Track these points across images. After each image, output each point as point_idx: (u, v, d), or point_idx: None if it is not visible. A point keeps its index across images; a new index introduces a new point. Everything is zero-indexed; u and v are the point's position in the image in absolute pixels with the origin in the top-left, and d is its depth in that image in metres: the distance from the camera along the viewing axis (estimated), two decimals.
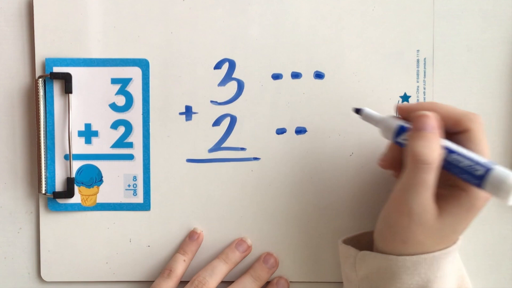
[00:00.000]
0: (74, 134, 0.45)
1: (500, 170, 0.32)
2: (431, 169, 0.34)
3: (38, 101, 0.44)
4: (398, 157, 0.38)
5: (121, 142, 0.45)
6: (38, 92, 0.44)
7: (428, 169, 0.34)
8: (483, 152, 0.35)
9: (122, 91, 0.44)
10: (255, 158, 0.45)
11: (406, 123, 0.37)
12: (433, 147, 0.34)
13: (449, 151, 0.35)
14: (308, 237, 0.45)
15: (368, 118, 0.39)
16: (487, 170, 0.33)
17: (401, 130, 0.37)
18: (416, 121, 0.35)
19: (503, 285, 0.45)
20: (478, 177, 0.33)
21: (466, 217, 0.35)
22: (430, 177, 0.34)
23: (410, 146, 0.35)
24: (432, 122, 0.35)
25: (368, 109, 0.39)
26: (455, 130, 0.36)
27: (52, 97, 0.44)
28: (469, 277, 0.45)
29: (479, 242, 0.45)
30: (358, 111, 0.40)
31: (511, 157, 0.45)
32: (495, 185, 0.32)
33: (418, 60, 0.44)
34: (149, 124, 0.45)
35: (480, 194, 0.34)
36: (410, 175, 0.34)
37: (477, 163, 0.33)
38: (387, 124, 0.38)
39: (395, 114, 0.39)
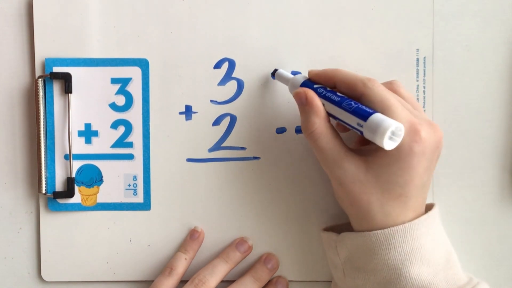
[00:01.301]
0: (74, 134, 0.45)
1: (376, 116, 0.34)
2: (316, 135, 0.37)
3: (38, 101, 0.44)
4: None
5: (121, 142, 0.45)
6: (38, 92, 0.44)
7: (313, 136, 0.37)
8: (386, 106, 0.35)
9: (122, 91, 0.44)
10: (255, 158, 0.45)
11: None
12: (309, 119, 0.37)
13: (341, 108, 0.36)
14: (308, 237, 0.45)
15: (281, 78, 0.43)
16: (363, 121, 0.34)
17: (304, 85, 0.40)
18: (295, 99, 0.39)
19: (503, 284, 0.45)
20: (360, 131, 0.35)
21: (400, 166, 0.35)
22: (324, 141, 0.37)
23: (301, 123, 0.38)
24: (303, 96, 0.38)
25: (281, 70, 0.43)
26: (355, 95, 0.37)
27: (52, 97, 0.44)
28: None
29: (479, 242, 0.45)
30: (273, 72, 0.43)
31: (511, 157, 0.45)
32: (372, 133, 0.34)
33: (417, 59, 0.44)
34: (149, 124, 0.45)
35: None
36: (313, 149, 0.38)
37: (357, 116, 0.35)
38: (294, 81, 0.41)
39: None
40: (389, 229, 0.36)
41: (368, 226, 0.37)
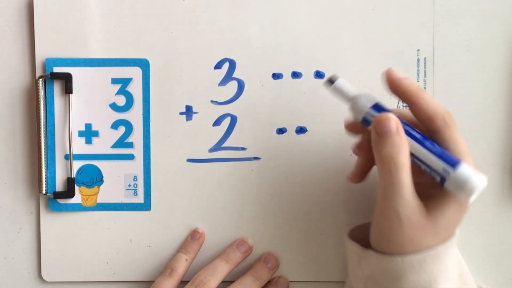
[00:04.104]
0: (75, 134, 0.45)
1: (463, 169, 0.33)
2: (402, 169, 0.34)
3: (39, 101, 0.44)
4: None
5: (121, 142, 0.45)
6: (38, 92, 0.44)
7: (399, 169, 0.34)
8: (458, 153, 0.35)
9: (123, 91, 0.44)
10: (256, 158, 0.45)
11: (381, 103, 0.36)
12: (400, 148, 0.34)
13: (422, 146, 0.35)
14: (308, 237, 0.45)
15: (339, 91, 0.37)
16: (450, 169, 0.33)
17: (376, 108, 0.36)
18: (378, 125, 0.35)
19: (503, 284, 0.45)
20: (442, 176, 0.34)
21: (457, 215, 0.36)
22: (405, 177, 0.34)
23: (377, 151, 0.35)
24: (395, 124, 0.35)
25: (341, 80, 0.37)
26: (429, 128, 0.36)
27: (52, 97, 0.44)
28: None
29: (479, 242, 0.45)
30: (330, 80, 0.38)
31: (511, 157, 0.45)
32: (458, 183, 0.33)
33: (418, 60, 0.44)
34: (149, 124, 0.45)
35: None
36: (386, 179, 0.35)
37: (444, 161, 0.33)
38: (360, 101, 0.37)
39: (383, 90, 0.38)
40: (423, 254, 0.35)
41: (396, 250, 0.36)
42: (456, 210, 0.35)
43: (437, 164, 0.34)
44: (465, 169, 0.33)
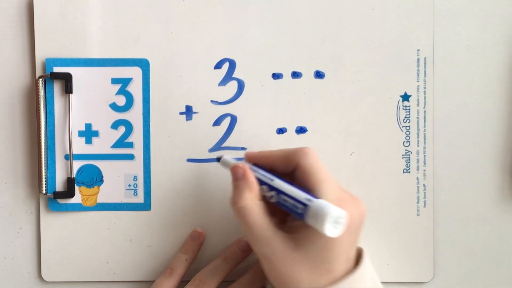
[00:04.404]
0: (75, 134, 0.45)
1: (316, 204, 0.33)
2: (245, 211, 0.36)
3: (39, 101, 0.44)
4: None
5: (121, 142, 0.45)
6: (38, 92, 0.44)
7: (243, 212, 0.36)
8: (319, 181, 0.36)
9: (123, 91, 0.44)
10: None
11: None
12: (241, 193, 0.37)
13: (277, 192, 0.36)
14: None
15: (225, 164, 0.41)
16: (305, 207, 0.34)
17: None
18: (231, 172, 0.38)
19: (503, 284, 0.45)
20: (300, 214, 0.34)
21: (328, 246, 0.35)
22: (253, 218, 0.36)
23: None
24: (240, 171, 0.38)
25: (225, 156, 0.42)
26: (291, 169, 0.38)
27: (52, 97, 0.44)
28: (468, 277, 0.45)
29: (479, 242, 0.45)
30: (218, 159, 0.42)
31: (511, 157, 0.45)
32: (314, 219, 0.33)
33: (418, 60, 0.44)
34: (149, 124, 0.45)
35: None
36: (240, 224, 0.37)
37: (298, 201, 0.35)
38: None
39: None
40: None
41: None
42: (325, 241, 0.35)
43: (291, 201, 0.35)
44: (317, 203, 0.34)
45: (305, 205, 0.34)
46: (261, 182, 0.38)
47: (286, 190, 0.36)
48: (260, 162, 0.40)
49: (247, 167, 0.38)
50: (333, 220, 0.33)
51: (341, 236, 0.34)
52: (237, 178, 0.38)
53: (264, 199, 0.38)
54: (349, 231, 0.35)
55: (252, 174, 0.38)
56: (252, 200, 0.37)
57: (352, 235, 0.36)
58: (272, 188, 0.37)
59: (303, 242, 0.35)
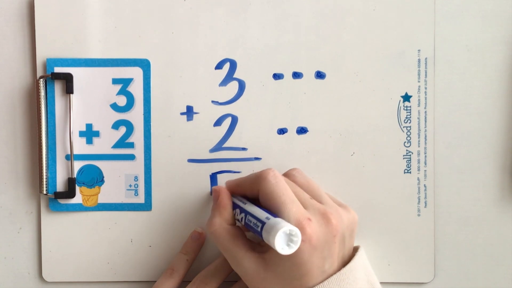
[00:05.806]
0: (75, 134, 0.45)
1: (270, 222, 0.34)
2: (216, 235, 0.39)
3: (39, 101, 0.44)
4: None
5: (122, 142, 0.45)
6: (39, 92, 0.44)
7: (213, 235, 0.39)
8: (278, 204, 0.36)
9: (123, 91, 0.44)
10: (256, 158, 0.45)
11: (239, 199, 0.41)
12: (212, 219, 0.39)
13: (245, 214, 0.38)
14: None
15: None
16: (262, 225, 0.35)
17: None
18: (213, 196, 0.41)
19: (503, 284, 0.45)
20: (259, 232, 0.35)
21: (293, 262, 0.35)
22: (222, 241, 0.38)
23: None
24: (216, 194, 0.41)
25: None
26: (257, 194, 0.39)
27: (53, 97, 0.44)
28: (469, 277, 0.45)
29: (480, 242, 0.45)
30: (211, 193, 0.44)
31: (511, 157, 0.45)
32: (267, 236, 0.34)
33: (419, 60, 0.44)
34: (150, 124, 0.45)
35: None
36: (218, 246, 0.39)
37: (259, 220, 0.36)
38: None
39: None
40: None
41: None
42: (293, 259, 0.35)
43: (254, 221, 0.36)
44: (272, 220, 0.34)
45: (263, 223, 0.35)
46: (236, 206, 0.40)
47: (252, 211, 0.37)
48: (233, 190, 0.41)
49: (223, 190, 0.41)
50: (285, 237, 0.33)
51: (308, 253, 0.35)
52: (214, 201, 0.41)
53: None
54: (315, 249, 0.35)
55: (225, 198, 0.40)
56: (220, 225, 0.39)
57: (321, 251, 0.36)
58: (242, 210, 0.38)
59: (273, 261, 0.36)
